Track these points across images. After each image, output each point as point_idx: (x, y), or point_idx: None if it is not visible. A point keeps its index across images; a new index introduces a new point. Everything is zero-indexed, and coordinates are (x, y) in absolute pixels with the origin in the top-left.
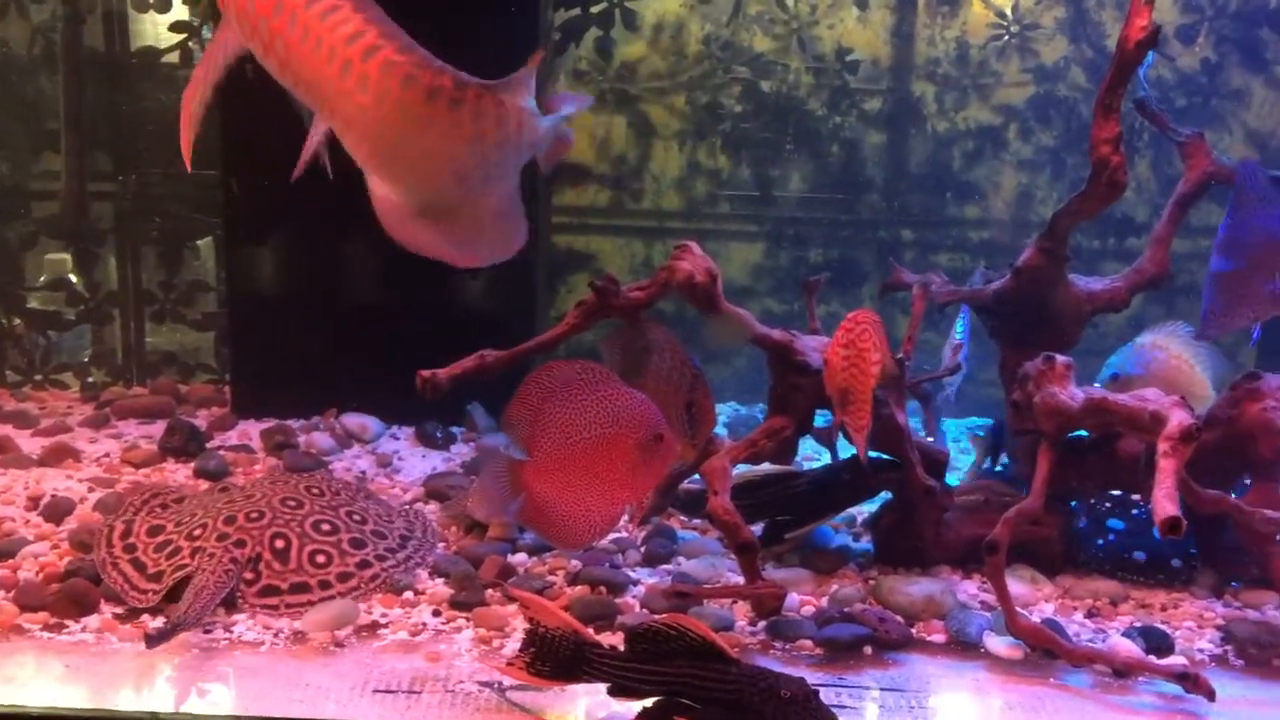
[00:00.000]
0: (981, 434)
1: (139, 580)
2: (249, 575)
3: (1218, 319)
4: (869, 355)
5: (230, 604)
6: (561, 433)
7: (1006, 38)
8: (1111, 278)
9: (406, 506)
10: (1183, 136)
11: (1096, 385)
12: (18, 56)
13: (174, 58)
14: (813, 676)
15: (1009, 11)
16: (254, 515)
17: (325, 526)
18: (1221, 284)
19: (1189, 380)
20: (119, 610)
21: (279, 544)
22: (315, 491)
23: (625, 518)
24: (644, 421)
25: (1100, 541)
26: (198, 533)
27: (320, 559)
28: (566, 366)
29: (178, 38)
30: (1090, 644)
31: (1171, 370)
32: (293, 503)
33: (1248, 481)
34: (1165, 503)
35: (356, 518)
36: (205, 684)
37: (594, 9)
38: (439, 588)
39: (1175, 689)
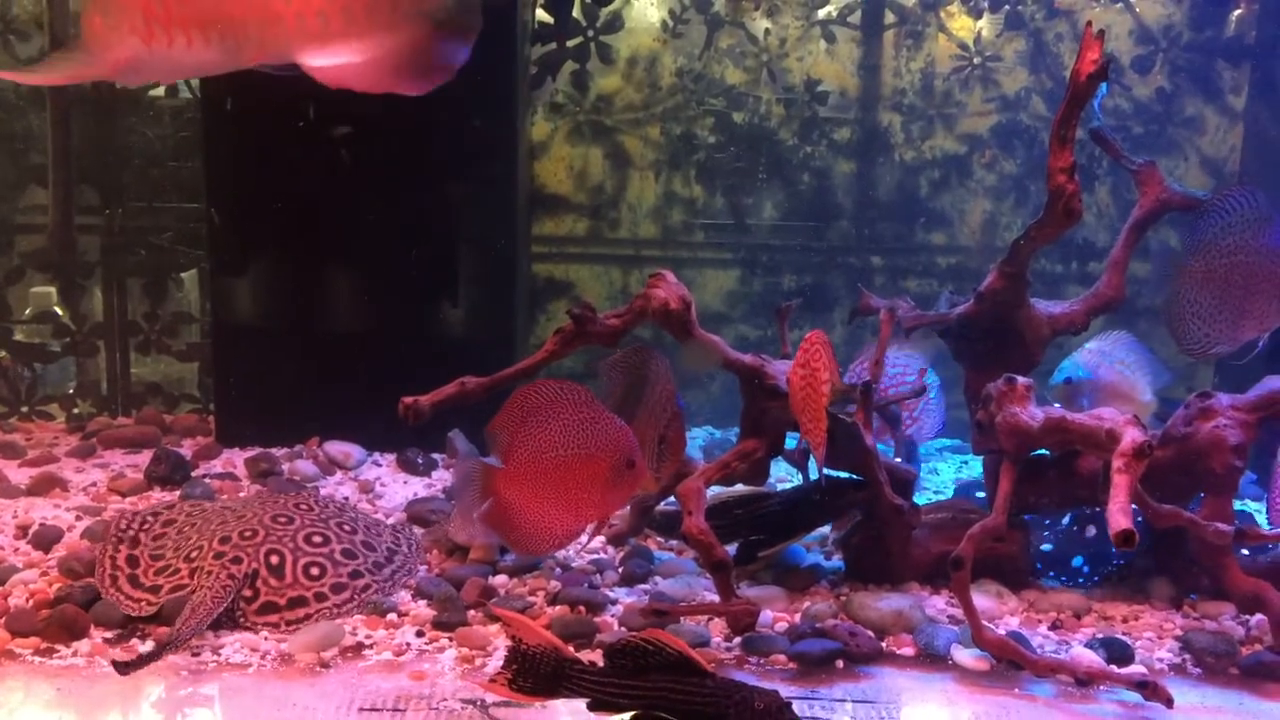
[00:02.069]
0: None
1: (134, 593)
2: (247, 593)
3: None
4: (819, 374)
5: (230, 623)
6: (538, 446)
7: (969, 69)
8: (1071, 301)
9: (397, 519)
10: (1135, 165)
11: (1055, 404)
12: (6, 93)
13: (160, 91)
14: (786, 690)
15: (971, 44)
16: (248, 534)
17: (317, 539)
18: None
19: (1130, 385)
20: (109, 635)
21: (274, 560)
22: (304, 507)
23: (596, 539)
24: (618, 446)
25: (1080, 559)
26: (194, 554)
27: (314, 570)
28: (552, 386)
29: None
30: (1054, 655)
31: (1115, 375)
32: (284, 519)
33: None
34: (1119, 516)
35: (347, 528)
36: (193, 706)
37: (570, 43)
38: (422, 609)
39: (1135, 697)
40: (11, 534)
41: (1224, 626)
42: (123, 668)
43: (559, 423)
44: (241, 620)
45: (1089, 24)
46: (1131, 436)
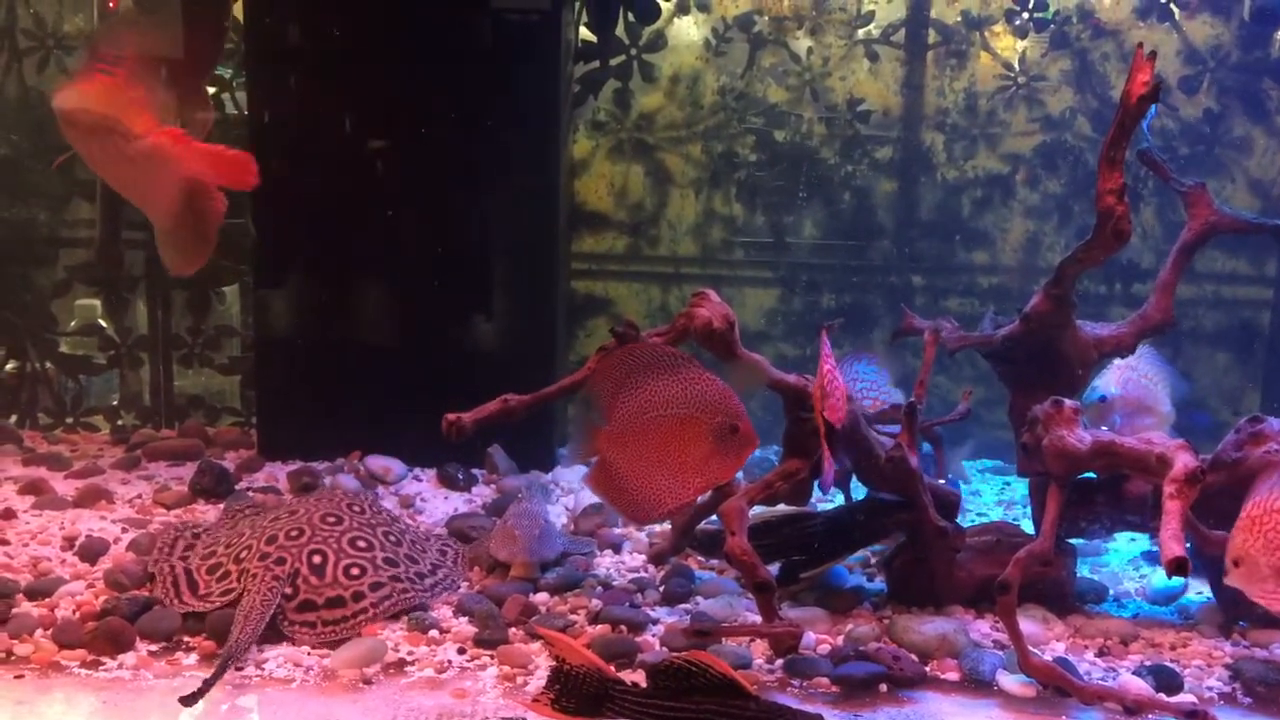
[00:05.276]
0: None
1: (188, 595)
2: (288, 590)
3: None
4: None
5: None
6: (639, 406)
7: (1014, 88)
8: (1118, 323)
9: (441, 532)
10: (1185, 186)
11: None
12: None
13: None
14: (829, 713)
15: (1016, 63)
16: (294, 533)
17: (361, 543)
18: None
19: (1154, 398)
20: (154, 648)
21: (316, 559)
22: (356, 509)
23: (637, 556)
24: (721, 408)
25: None
26: (243, 554)
27: (355, 571)
28: (652, 347)
29: (210, 90)
30: (1101, 682)
31: (1141, 389)
32: (333, 519)
33: None
34: (1172, 543)
35: (392, 538)
36: (236, 719)
37: (613, 61)
38: (463, 626)
39: None
40: (58, 545)
41: (1274, 655)
42: (189, 700)
43: (659, 382)
44: (281, 620)
45: (1140, 45)
46: (1184, 462)
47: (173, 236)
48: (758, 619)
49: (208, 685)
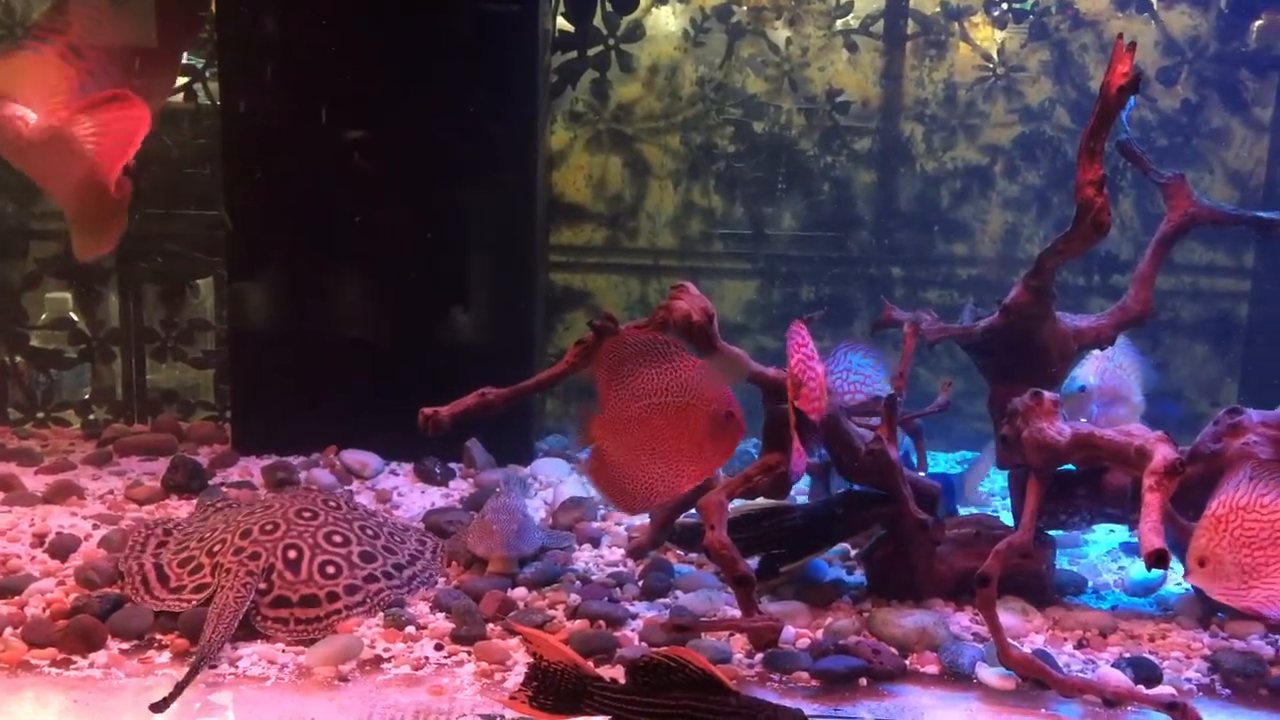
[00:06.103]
0: None
1: (159, 589)
2: (262, 585)
3: None
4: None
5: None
6: (633, 394)
7: (993, 79)
8: (1097, 315)
9: (419, 526)
10: (1164, 178)
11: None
12: None
13: (178, 99)
14: (809, 707)
15: (995, 54)
16: (269, 527)
17: (337, 538)
18: None
19: (1128, 388)
20: (126, 646)
21: (291, 554)
22: (331, 504)
23: (616, 550)
24: (715, 396)
25: None
26: (217, 548)
27: (330, 569)
28: (645, 336)
29: (181, 80)
30: (1080, 674)
31: (1117, 379)
32: (308, 514)
33: None
34: (1151, 536)
35: (369, 531)
36: (210, 718)
37: (591, 52)
38: (440, 622)
39: (1164, 718)
40: (28, 542)
41: (1253, 646)
42: (160, 705)
43: (652, 370)
44: (254, 615)
45: (1120, 36)
46: (1163, 454)
47: (81, 221)
48: (737, 613)
49: (180, 688)
